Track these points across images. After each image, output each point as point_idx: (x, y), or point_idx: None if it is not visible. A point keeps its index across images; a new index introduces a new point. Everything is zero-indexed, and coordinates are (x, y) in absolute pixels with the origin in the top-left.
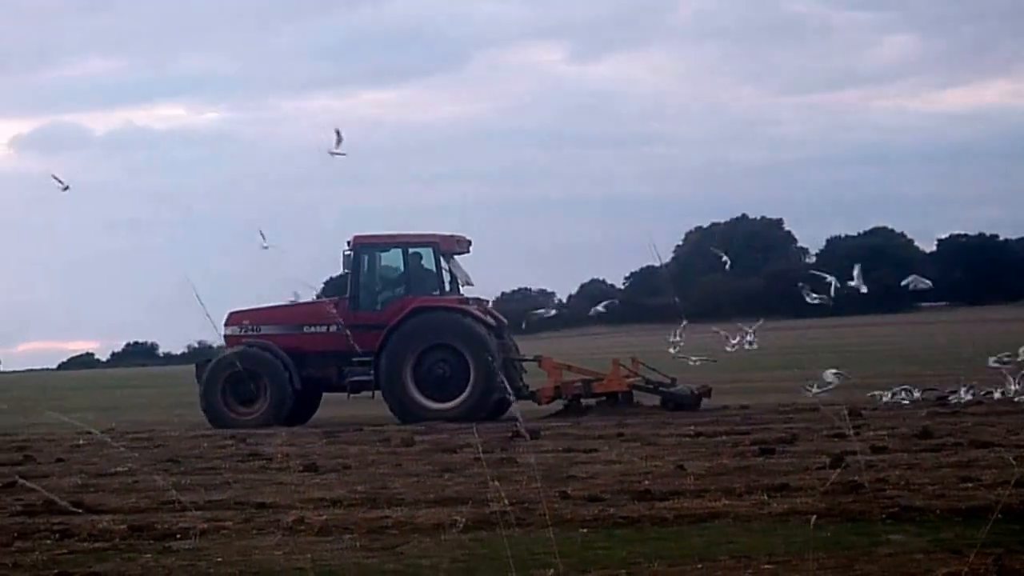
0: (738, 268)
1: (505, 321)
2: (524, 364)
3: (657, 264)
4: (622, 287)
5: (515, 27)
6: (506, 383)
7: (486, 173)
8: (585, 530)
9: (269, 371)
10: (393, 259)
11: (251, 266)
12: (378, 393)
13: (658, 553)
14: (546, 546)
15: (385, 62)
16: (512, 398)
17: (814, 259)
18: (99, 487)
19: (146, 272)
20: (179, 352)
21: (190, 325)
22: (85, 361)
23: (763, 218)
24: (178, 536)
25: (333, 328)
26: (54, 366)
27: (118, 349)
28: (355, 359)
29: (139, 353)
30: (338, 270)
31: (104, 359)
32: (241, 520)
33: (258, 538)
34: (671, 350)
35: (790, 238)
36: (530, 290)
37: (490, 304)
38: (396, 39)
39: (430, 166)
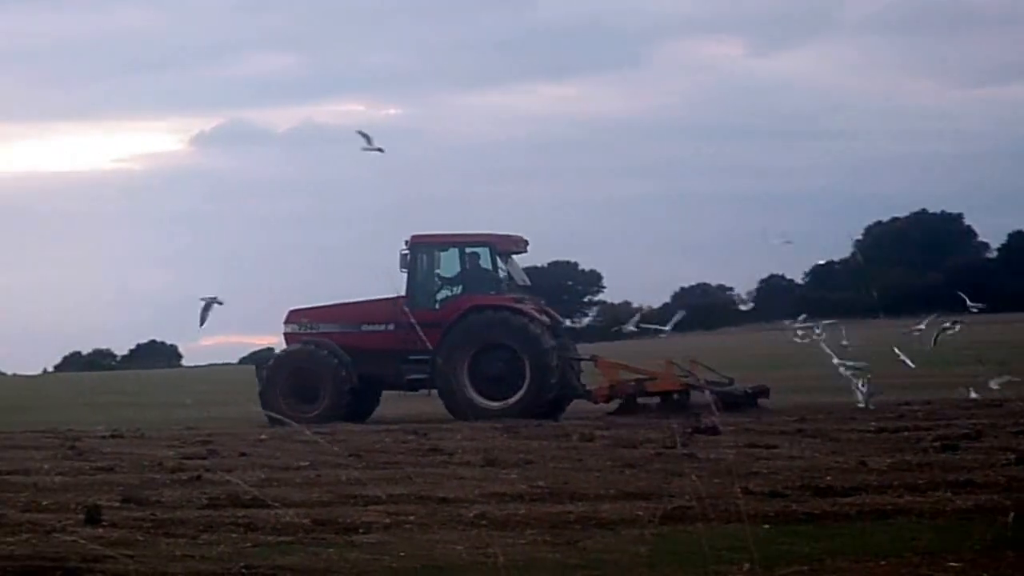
0: (918, 263)
1: (562, 320)
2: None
3: (838, 259)
4: (801, 282)
5: (690, 22)
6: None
7: (659, 167)
8: (768, 526)
9: (326, 369)
10: (450, 258)
11: None
12: (434, 391)
13: (841, 549)
14: (729, 541)
15: (560, 57)
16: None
17: (995, 254)
18: (283, 481)
19: (328, 267)
20: None
21: None
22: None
23: (943, 213)
24: (361, 530)
25: (391, 326)
26: (235, 360)
27: None
28: (412, 357)
29: None
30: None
31: None
32: (423, 515)
33: (440, 532)
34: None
35: (970, 233)
36: (709, 285)
37: (544, 303)
38: (571, 34)
39: (604, 161)
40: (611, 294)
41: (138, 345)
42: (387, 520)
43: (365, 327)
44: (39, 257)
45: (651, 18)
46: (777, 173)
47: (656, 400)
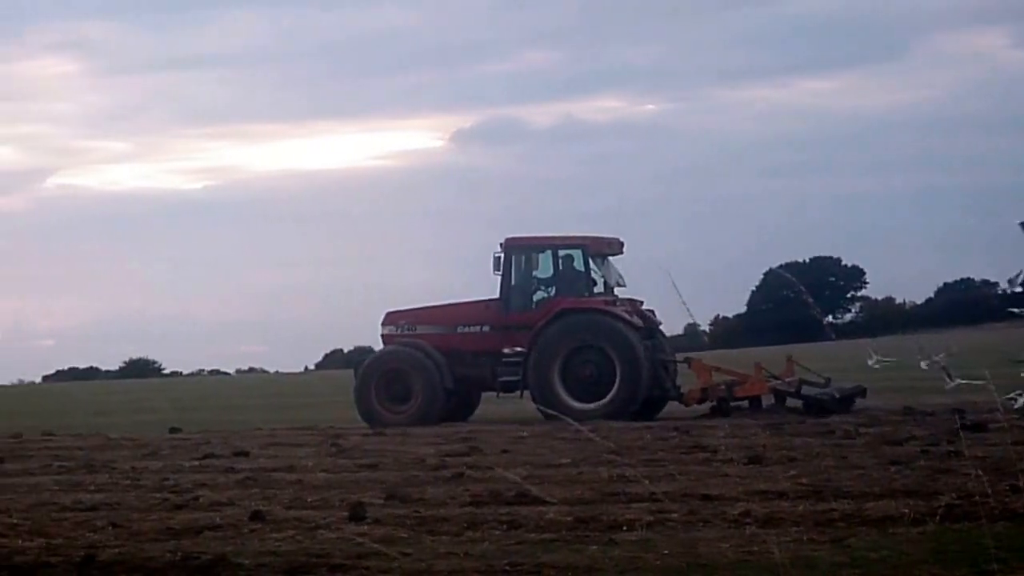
0: None
1: (659, 321)
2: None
3: None
4: None
5: (955, 13)
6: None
7: (921, 161)
8: None
9: (419, 370)
10: (543, 261)
11: (710, 258)
12: (527, 392)
13: None
14: (1003, 540)
15: (821, 51)
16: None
17: None
18: (545, 478)
19: None
20: None
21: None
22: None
23: None
24: (624, 528)
25: (486, 328)
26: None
27: None
28: (505, 359)
29: None
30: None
31: None
32: (686, 512)
33: (703, 530)
34: None
35: None
36: (973, 280)
37: (643, 305)
38: (829, 27)
39: (863, 155)
40: (874, 290)
41: None
42: (650, 518)
43: (461, 328)
44: (299, 255)
45: (912, 10)
46: None
47: (745, 403)
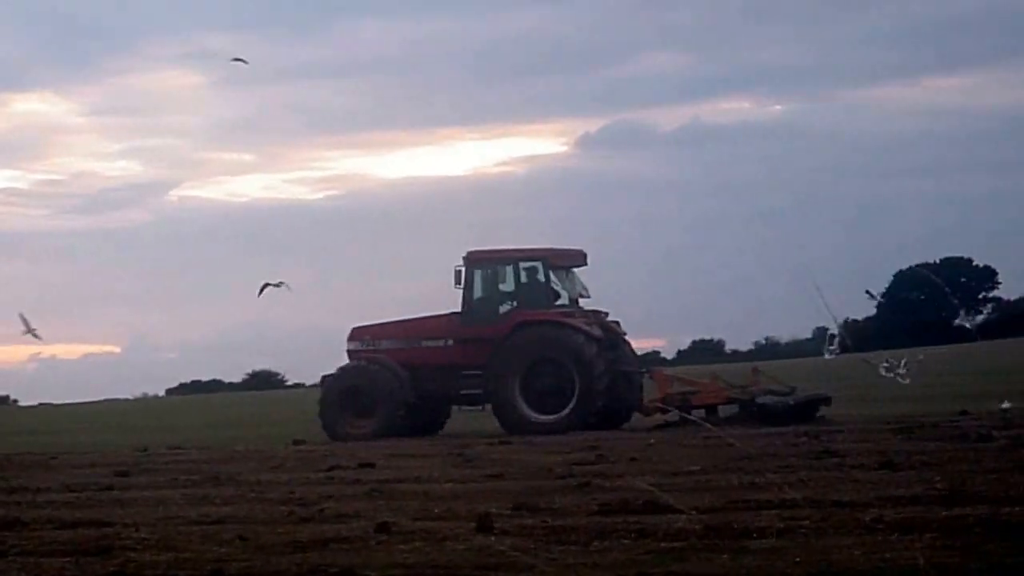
0: None
1: (623, 333)
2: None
3: None
4: None
5: None
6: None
7: None
8: None
9: (380, 385)
10: (504, 274)
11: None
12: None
13: None
14: None
15: (951, 49)
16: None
17: None
18: (673, 486)
19: (715, 268)
20: (745, 349)
21: (762, 321)
22: (651, 359)
23: None
24: (754, 535)
25: (449, 342)
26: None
27: (684, 347)
28: (466, 373)
29: (706, 350)
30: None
31: (670, 357)
32: (818, 519)
33: (835, 537)
34: None
35: None
36: None
37: (607, 316)
38: (962, 25)
39: (996, 154)
40: (1007, 290)
41: None
42: (780, 525)
43: (424, 343)
44: (422, 264)
45: None
46: None
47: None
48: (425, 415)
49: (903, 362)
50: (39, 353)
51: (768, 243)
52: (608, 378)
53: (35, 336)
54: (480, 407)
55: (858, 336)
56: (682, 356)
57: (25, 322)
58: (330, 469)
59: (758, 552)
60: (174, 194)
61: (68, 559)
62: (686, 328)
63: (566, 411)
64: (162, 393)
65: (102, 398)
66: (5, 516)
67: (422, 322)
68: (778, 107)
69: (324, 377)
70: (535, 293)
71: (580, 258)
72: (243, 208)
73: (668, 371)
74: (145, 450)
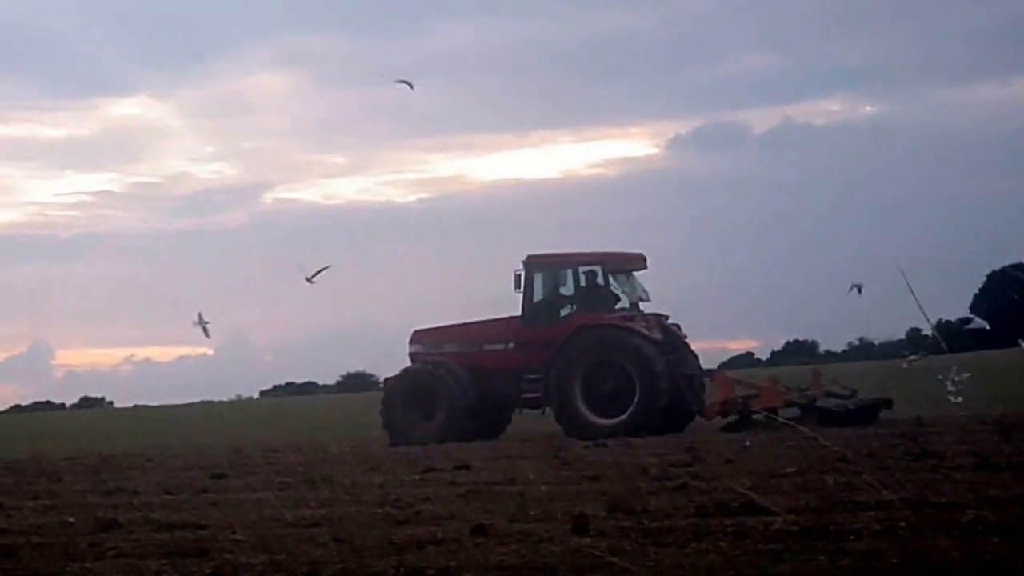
0: None
1: (684, 336)
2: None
3: None
4: None
5: None
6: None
7: None
8: None
9: (442, 388)
10: (563, 278)
11: (928, 258)
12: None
13: None
14: None
15: None
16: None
17: None
18: (771, 487)
19: (805, 268)
20: (839, 350)
21: (854, 322)
22: (744, 361)
23: None
24: (852, 537)
25: (510, 345)
26: (714, 366)
27: (778, 348)
28: (527, 376)
29: (799, 351)
30: None
31: (764, 358)
32: (916, 520)
33: (933, 539)
34: None
35: None
36: None
37: (667, 319)
38: None
39: None
40: None
41: None
42: (878, 526)
43: (486, 346)
44: (515, 265)
45: None
46: None
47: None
48: (487, 418)
49: (957, 377)
50: (133, 355)
51: (861, 243)
52: (669, 381)
53: (205, 333)
54: (541, 410)
55: (952, 337)
56: (775, 357)
57: (201, 319)
58: (426, 471)
59: (855, 554)
60: (269, 196)
61: (165, 560)
62: (780, 329)
63: (627, 414)
64: (257, 395)
65: (196, 400)
66: (103, 518)
67: (483, 325)
68: (869, 107)
69: (387, 379)
70: (595, 297)
71: (640, 262)
72: (337, 210)
73: (730, 375)
74: (240, 452)
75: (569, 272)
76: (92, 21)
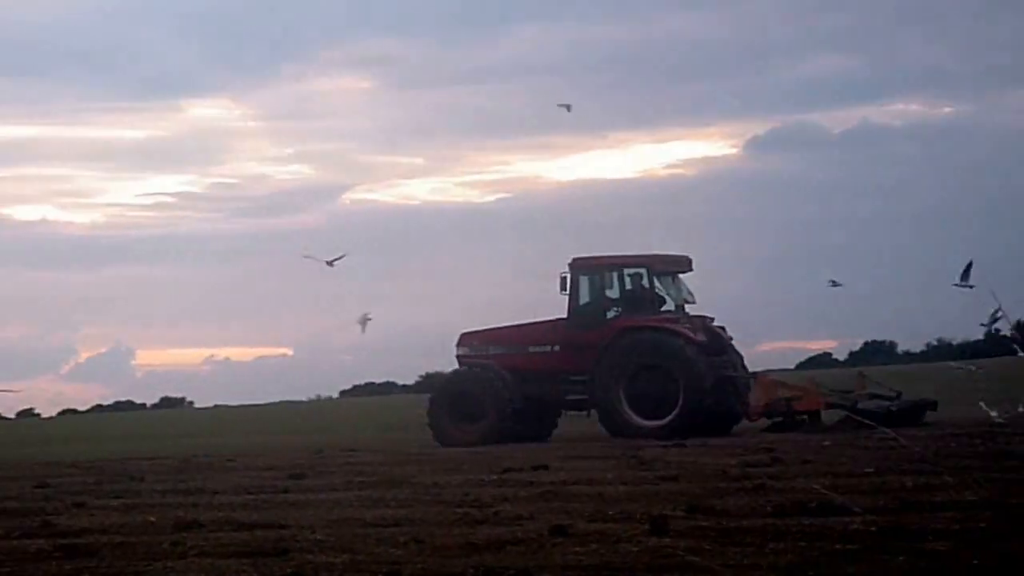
0: None
1: (729, 338)
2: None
3: None
4: None
5: None
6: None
7: None
8: None
9: (488, 390)
10: (609, 280)
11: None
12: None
13: None
14: None
15: None
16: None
17: None
18: (848, 488)
19: (887, 269)
20: (917, 350)
21: (932, 321)
22: (822, 360)
23: None
24: (930, 537)
25: (555, 348)
26: (792, 366)
27: (856, 348)
28: (572, 378)
29: (877, 351)
30: None
31: (841, 358)
32: (995, 521)
33: (1014, 540)
34: None
35: None
36: None
37: (713, 321)
38: None
39: None
40: None
41: None
42: (956, 527)
43: (532, 348)
44: None
45: None
46: None
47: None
48: (533, 421)
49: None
50: (213, 356)
51: (940, 244)
52: (713, 383)
53: (363, 327)
54: (586, 412)
55: None
56: (853, 358)
57: (364, 318)
58: (504, 471)
59: (933, 555)
60: (346, 197)
61: (245, 560)
62: (858, 330)
63: (671, 416)
64: (336, 395)
65: (276, 400)
66: (183, 517)
67: (529, 328)
68: (948, 108)
69: (433, 382)
70: (639, 299)
71: (685, 264)
72: (415, 211)
73: (773, 378)
74: (320, 452)
75: (615, 275)
76: (171, 23)
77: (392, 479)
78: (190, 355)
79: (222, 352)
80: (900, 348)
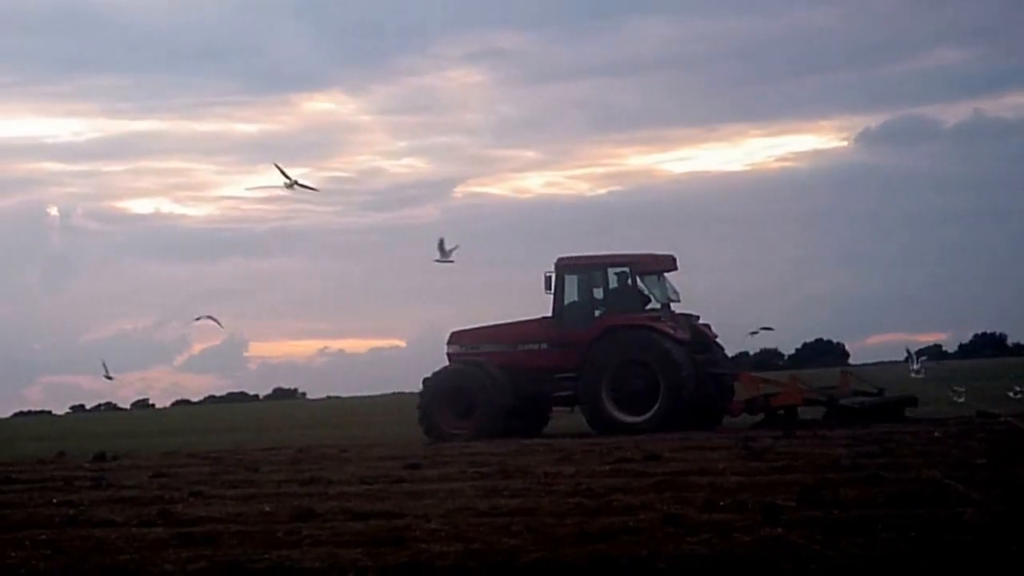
0: None
1: (714, 335)
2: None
3: None
4: None
5: None
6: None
7: None
8: None
9: (479, 387)
10: (595, 279)
11: None
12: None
13: None
14: None
15: None
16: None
17: None
18: (961, 479)
19: (1001, 262)
20: None
21: None
22: (933, 353)
23: None
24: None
25: (544, 345)
26: (900, 358)
27: (966, 340)
28: (559, 375)
29: (988, 344)
30: None
31: (951, 350)
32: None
33: None
34: None
35: None
36: None
37: (699, 319)
38: None
39: None
40: None
41: (804, 344)
42: (988, 519)
43: (521, 346)
44: (703, 261)
45: None
46: None
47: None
48: (524, 416)
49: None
50: (327, 348)
51: None
52: (695, 379)
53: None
54: (571, 408)
55: None
56: (963, 350)
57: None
58: (617, 461)
59: (958, 545)
60: (460, 190)
61: (361, 549)
62: (969, 322)
63: (651, 412)
64: None
65: (388, 392)
66: (300, 507)
67: (518, 326)
68: None
69: (425, 379)
70: (624, 298)
71: (670, 263)
72: (528, 204)
73: (755, 375)
74: (435, 443)
75: (600, 274)
76: (285, 17)
77: (507, 469)
78: (303, 347)
79: (335, 344)
80: (1010, 340)
